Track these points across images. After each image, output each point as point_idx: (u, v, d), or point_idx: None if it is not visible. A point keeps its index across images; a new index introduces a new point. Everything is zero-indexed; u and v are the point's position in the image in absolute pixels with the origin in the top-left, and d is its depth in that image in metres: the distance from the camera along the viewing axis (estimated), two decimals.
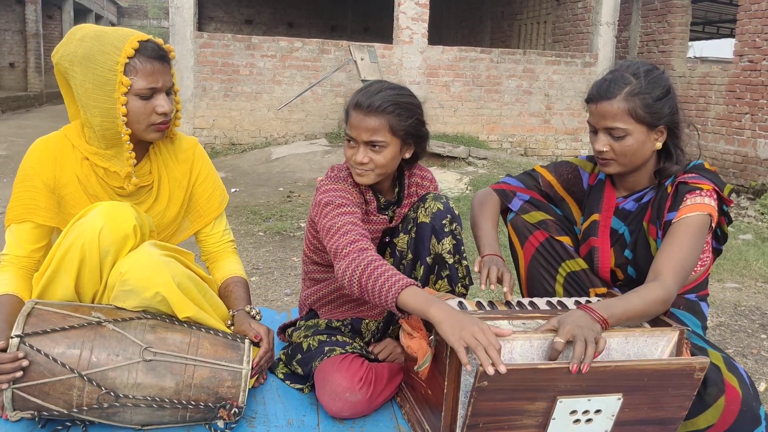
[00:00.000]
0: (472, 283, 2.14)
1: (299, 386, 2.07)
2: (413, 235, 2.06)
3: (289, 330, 2.23)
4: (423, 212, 2.05)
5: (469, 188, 7.58)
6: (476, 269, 1.97)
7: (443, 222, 2.02)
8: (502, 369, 1.50)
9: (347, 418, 1.91)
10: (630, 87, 1.88)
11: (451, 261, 2.03)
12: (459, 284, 2.07)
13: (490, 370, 1.49)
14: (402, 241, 2.10)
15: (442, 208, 2.03)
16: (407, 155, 2.07)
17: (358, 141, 1.96)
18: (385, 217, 2.12)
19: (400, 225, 2.12)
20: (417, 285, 1.73)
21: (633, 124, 1.89)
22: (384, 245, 2.16)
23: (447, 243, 2.03)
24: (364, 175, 2.00)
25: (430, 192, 2.11)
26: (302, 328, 2.15)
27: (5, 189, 6.74)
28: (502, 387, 1.56)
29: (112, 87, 1.80)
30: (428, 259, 2.05)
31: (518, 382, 1.56)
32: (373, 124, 1.94)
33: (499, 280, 1.94)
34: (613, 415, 1.67)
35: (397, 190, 2.16)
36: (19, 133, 10.41)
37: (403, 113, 1.97)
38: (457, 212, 2.07)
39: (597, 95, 1.93)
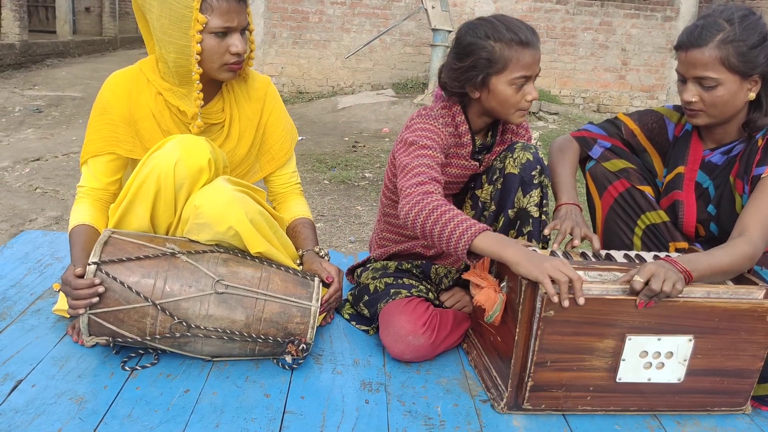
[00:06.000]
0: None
1: (365, 328, 2.07)
2: (498, 186, 1.99)
3: (358, 270, 2.22)
4: (511, 162, 1.96)
5: (538, 143, 7.43)
6: (552, 226, 1.92)
7: (532, 173, 1.94)
8: (581, 301, 1.56)
9: (409, 361, 1.90)
10: (723, 34, 1.76)
11: (536, 214, 1.95)
12: (540, 244, 1.97)
13: (566, 304, 1.55)
14: (485, 191, 2.03)
15: (531, 159, 1.94)
16: None
17: (531, 76, 1.90)
18: (476, 163, 2.06)
19: (485, 175, 2.05)
20: (489, 229, 1.70)
21: (725, 74, 1.78)
22: (467, 189, 2.11)
23: (535, 195, 1.94)
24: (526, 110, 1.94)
25: (518, 141, 2.03)
26: (370, 269, 2.14)
27: (81, 129, 6.92)
28: (568, 318, 1.55)
29: (188, 24, 1.78)
30: (510, 212, 1.98)
31: (585, 313, 1.56)
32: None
33: (584, 238, 1.88)
34: (685, 360, 1.64)
35: (490, 134, 2.09)
36: (94, 76, 10.66)
37: None
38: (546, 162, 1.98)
39: (687, 42, 1.81)
